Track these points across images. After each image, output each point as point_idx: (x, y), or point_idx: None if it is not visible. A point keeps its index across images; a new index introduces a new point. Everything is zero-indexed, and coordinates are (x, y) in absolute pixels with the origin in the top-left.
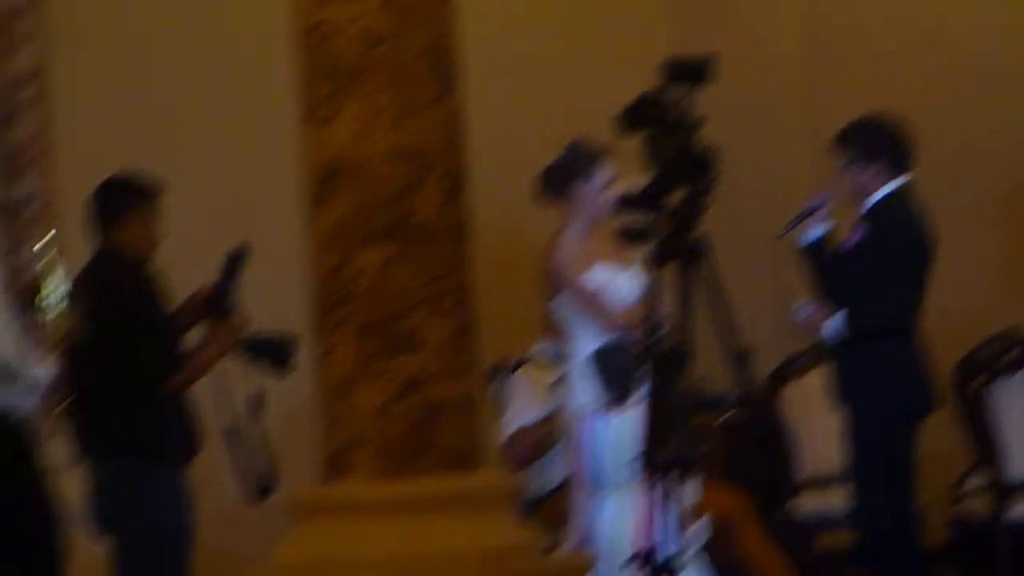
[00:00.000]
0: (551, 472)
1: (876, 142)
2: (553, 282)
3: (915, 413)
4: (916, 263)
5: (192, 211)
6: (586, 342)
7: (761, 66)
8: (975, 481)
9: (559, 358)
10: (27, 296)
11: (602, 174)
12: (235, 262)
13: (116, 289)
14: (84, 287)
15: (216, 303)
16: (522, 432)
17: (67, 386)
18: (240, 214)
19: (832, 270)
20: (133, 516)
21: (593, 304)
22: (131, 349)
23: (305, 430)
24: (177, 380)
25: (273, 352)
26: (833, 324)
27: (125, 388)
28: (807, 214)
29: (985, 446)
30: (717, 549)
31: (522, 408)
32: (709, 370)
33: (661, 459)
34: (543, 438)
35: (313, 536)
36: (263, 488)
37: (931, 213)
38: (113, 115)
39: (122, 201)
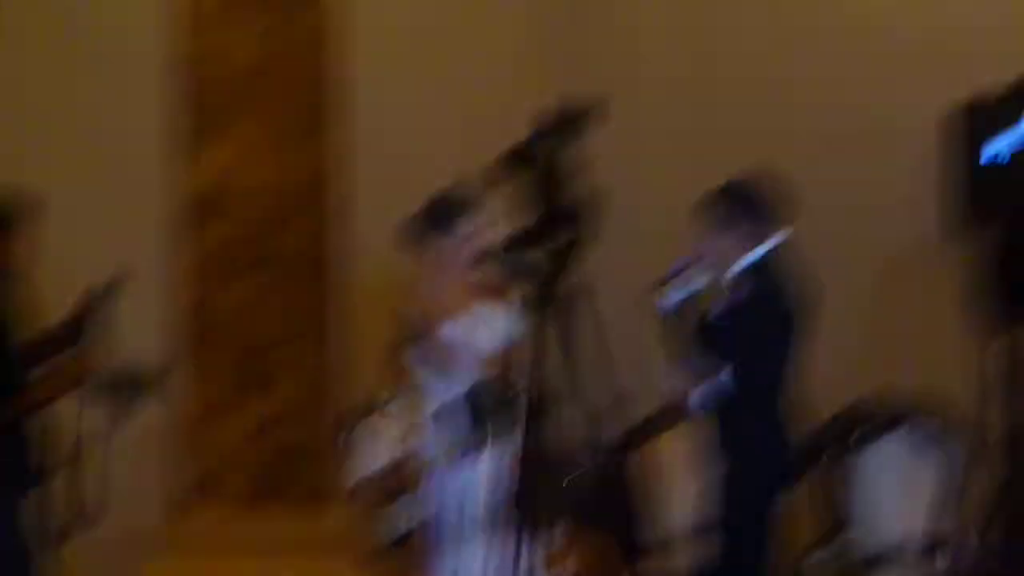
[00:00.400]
0: (400, 518)
1: (735, 210)
2: (406, 331)
3: (788, 476)
4: (782, 335)
5: (63, 234)
6: (438, 392)
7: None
8: (822, 551)
9: (408, 406)
10: None
11: (463, 227)
12: (99, 298)
13: None
14: None
15: (69, 337)
16: (371, 476)
17: None
18: (109, 241)
19: (696, 336)
20: None
21: (445, 354)
22: None
23: (156, 464)
24: (10, 408)
25: (128, 386)
26: (698, 391)
27: None
28: (671, 276)
29: (835, 516)
30: None
31: (372, 452)
32: (580, 416)
33: (525, 506)
34: (390, 486)
35: (165, 568)
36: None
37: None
38: None
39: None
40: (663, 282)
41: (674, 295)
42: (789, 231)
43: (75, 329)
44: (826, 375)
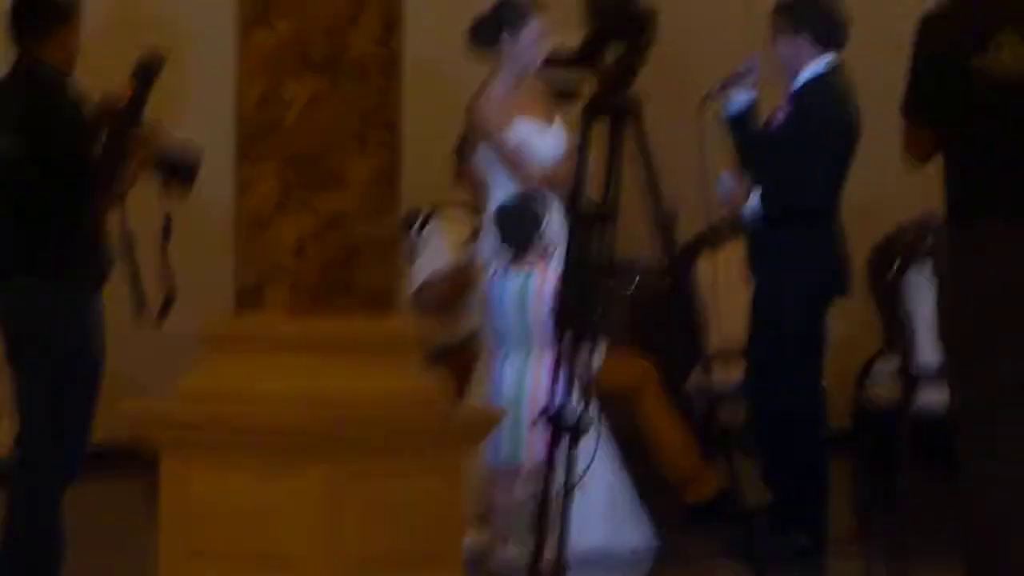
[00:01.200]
0: (461, 323)
1: (805, 14)
2: (474, 133)
3: (825, 295)
4: (838, 148)
5: (118, 23)
6: (504, 195)
7: None
8: (882, 367)
9: (475, 209)
10: None
11: (531, 29)
12: (148, 69)
13: (49, 102)
14: (7, 99)
15: (131, 113)
16: (432, 280)
17: None
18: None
19: (756, 145)
20: (49, 339)
21: (511, 158)
22: (64, 164)
23: (224, 261)
24: (105, 196)
25: (180, 169)
26: (753, 201)
27: (51, 204)
28: (735, 80)
29: (895, 333)
30: (620, 416)
31: (433, 256)
32: (629, 234)
33: (572, 320)
34: (453, 287)
35: (220, 367)
36: (162, 308)
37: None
38: None
39: (46, 17)
40: (724, 86)
41: (737, 100)
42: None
43: (133, 105)
44: (870, 198)
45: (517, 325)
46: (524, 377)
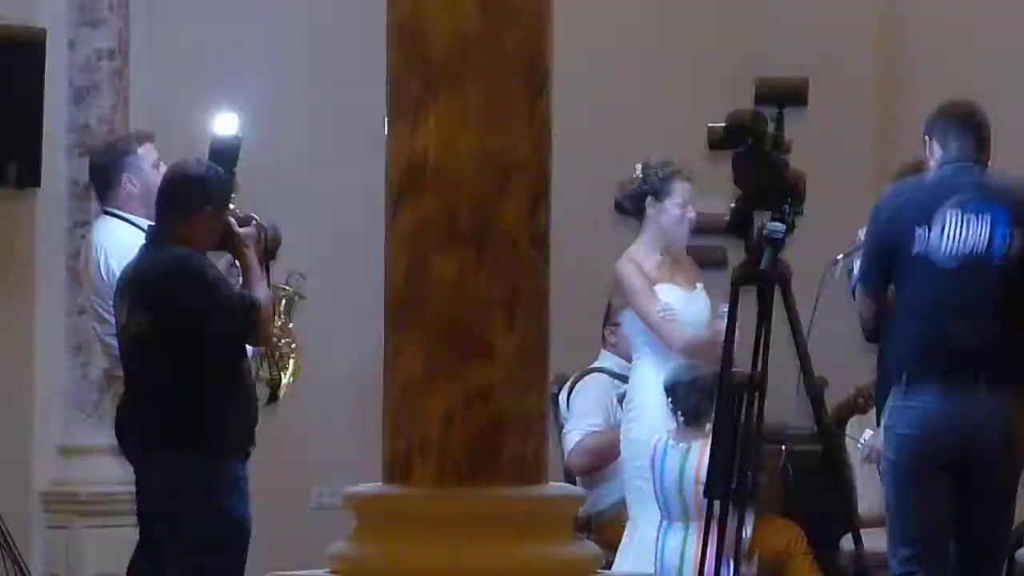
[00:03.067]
0: (607, 488)
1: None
2: (619, 295)
3: None
4: None
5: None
6: (649, 361)
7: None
8: None
9: (622, 374)
10: None
11: (677, 194)
12: (226, 151)
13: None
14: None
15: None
16: (590, 438)
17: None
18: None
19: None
20: (195, 510)
21: (656, 323)
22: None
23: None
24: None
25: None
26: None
27: (195, 374)
28: (853, 249)
29: None
30: None
31: (586, 416)
32: (777, 402)
33: (725, 490)
34: (609, 447)
35: (368, 542)
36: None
37: None
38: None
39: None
40: (846, 255)
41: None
42: None
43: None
44: None
45: (676, 497)
46: (686, 549)
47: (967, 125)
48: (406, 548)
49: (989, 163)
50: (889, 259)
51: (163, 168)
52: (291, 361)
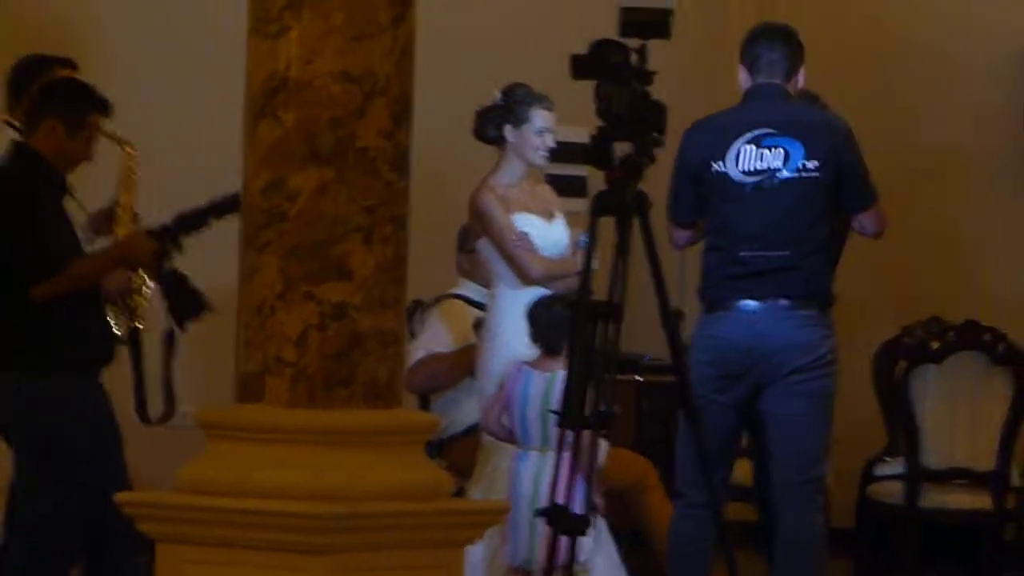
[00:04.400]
0: (459, 413)
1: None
2: (476, 224)
3: None
4: None
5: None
6: (507, 289)
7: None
8: (887, 466)
9: (480, 300)
10: None
11: (536, 121)
12: (222, 207)
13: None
14: None
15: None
16: (431, 358)
17: None
18: (186, 125)
19: None
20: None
21: (511, 252)
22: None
23: (227, 349)
24: (46, 287)
25: (183, 300)
26: None
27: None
28: None
29: (899, 434)
30: (622, 513)
31: (434, 337)
32: (633, 329)
33: (578, 415)
34: (451, 370)
35: (219, 458)
36: (154, 415)
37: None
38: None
39: (80, 105)
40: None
41: None
42: None
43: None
44: (900, 293)
45: (537, 424)
46: (541, 477)
47: (773, 50)
48: (254, 464)
49: (798, 85)
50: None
51: None
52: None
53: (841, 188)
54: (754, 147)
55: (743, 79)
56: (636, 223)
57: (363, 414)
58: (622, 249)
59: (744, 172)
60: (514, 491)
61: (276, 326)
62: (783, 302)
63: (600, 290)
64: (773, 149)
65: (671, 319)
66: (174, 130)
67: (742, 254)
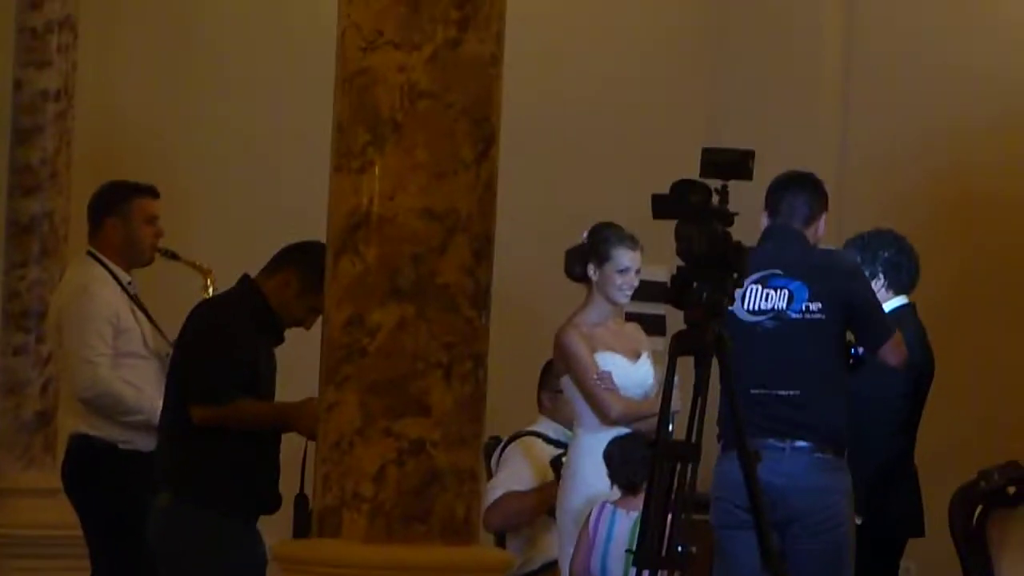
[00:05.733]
0: (535, 551)
1: (881, 260)
2: (559, 362)
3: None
4: (914, 387)
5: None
6: (588, 426)
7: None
8: None
9: (559, 438)
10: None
11: (621, 259)
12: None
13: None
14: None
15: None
16: (510, 496)
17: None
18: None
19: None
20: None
21: (592, 391)
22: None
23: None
24: (204, 411)
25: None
26: None
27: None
28: None
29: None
30: None
31: (513, 475)
32: (709, 470)
33: (654, 558)
34: (530, 508)
35: None
36: None
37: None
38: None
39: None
40: None
41: None
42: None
43: None
44: (976, 435)
45: (621, 565)
46: None
47: (796, 195)
48: None
49: (818, 234)
50: None
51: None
52: None
53: (852, 327)
54: (760, 287)
55: (763, 223)
56: (715, 363)
57: (440, 550)
58: (700, 389)
59: (750, 312)
60: None
61: (354, 461)
62: (798, 443)
63: (680, 430)
64: (778, 290)
65: (749, 459)
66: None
67: (752, 392)
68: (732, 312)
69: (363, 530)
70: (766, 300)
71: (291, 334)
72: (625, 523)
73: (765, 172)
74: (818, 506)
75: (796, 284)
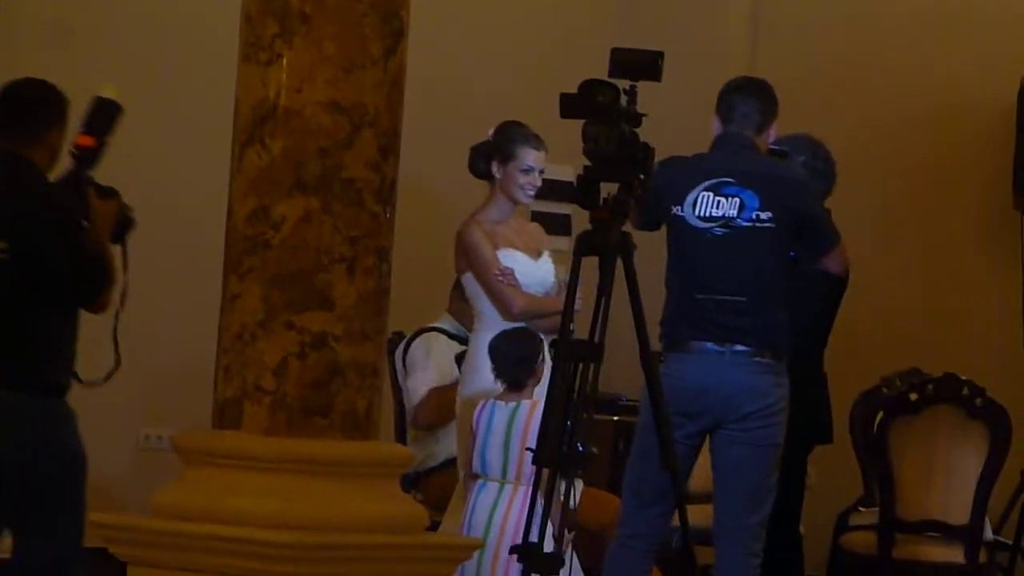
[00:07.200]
0: (435, 447)
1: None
2: (461, 257)
3: (807, 442)
4: (830, 294)
5: (135, 135)
6: (488, 323)
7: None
8: (861, 517)
9: (459, 335)
10: None
11: (525, 159)
12: (104, 115)
13: (38, 207)
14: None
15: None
16: (437, 392)
17: None
18: (176, 145)
19: None
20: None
21: (493, 287)
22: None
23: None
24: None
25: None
26: None
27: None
28: None
29: (875, 484)
30: (595, 553)
31: (429, 372)
32: (612, 370)
33: (553, 454)
34: (440, 408)
35: (194, 483)
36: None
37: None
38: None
39: (53, 112)
40: None
41: None
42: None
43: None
44: (880, 343)
45: (498, 455)
46: (496, 508)
47: (747, 103)
48: (230, 494)
49: (768, 140)
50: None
51: None
52: None
53: (800, 237)
54: (712, 194)
55: (715, 128)
56: (620, 264)
57: (340, 445)
58: (604, 289)
59: (700, 218)
60: (468, 520)
61: (256, 354)
62: (737, 347)
63: (582, 329)
64: (729, 198)
65: (651, 361)
66: (159, 148)
67: (697, 296)
68: (682, 218)
69: (264, 422)
70: (717, 207)
71: (207, 228)
72: (503, 413)
73: (674, 74)
74: (754, 408)
75: (747, 193)
